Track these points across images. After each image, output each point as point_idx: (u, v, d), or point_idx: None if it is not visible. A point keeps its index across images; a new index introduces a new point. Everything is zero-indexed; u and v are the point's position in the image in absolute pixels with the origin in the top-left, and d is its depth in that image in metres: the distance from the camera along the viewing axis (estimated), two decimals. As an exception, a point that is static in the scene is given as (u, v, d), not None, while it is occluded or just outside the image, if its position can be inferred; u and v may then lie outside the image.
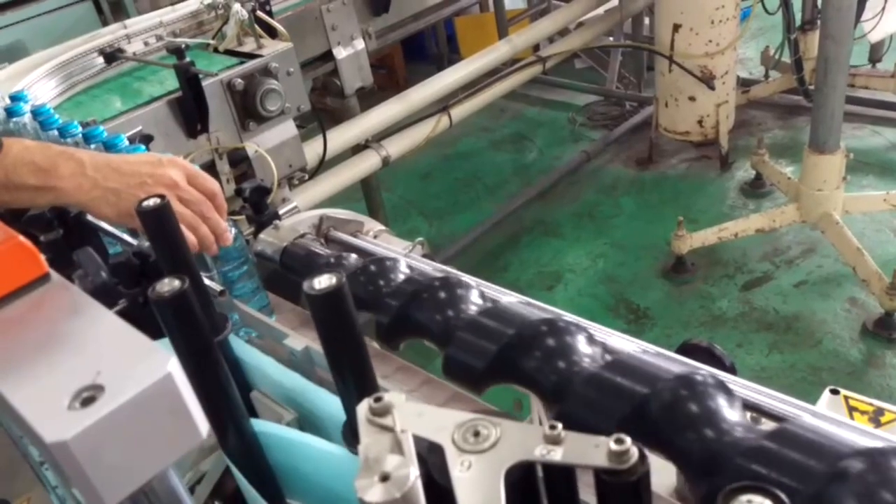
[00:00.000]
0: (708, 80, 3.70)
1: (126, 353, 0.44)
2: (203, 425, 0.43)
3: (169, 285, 0.63)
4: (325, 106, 3.11)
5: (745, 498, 0.45)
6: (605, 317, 3.15)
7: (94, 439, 0.38)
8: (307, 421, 0.87)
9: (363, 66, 2.99)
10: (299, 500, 0.80)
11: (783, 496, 0.45)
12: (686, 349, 1.31)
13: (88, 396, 0.40)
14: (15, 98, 1.46)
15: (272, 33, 2.53)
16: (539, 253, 3.71)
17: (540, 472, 0.54)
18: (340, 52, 2.91)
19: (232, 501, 0.86)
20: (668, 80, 3.84)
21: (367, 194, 3.32)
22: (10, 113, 1.39)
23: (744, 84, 4.40)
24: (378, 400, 0.54)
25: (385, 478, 0.46)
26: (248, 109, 2.32)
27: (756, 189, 3.81)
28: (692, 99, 3.80)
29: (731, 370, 1.08)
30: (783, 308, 3.06)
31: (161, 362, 0.42)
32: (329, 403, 0.82)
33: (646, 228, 3.71)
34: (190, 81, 2.12)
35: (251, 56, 2.38)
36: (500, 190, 4.28)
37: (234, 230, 1.13)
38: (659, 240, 3.49)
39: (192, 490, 0.91)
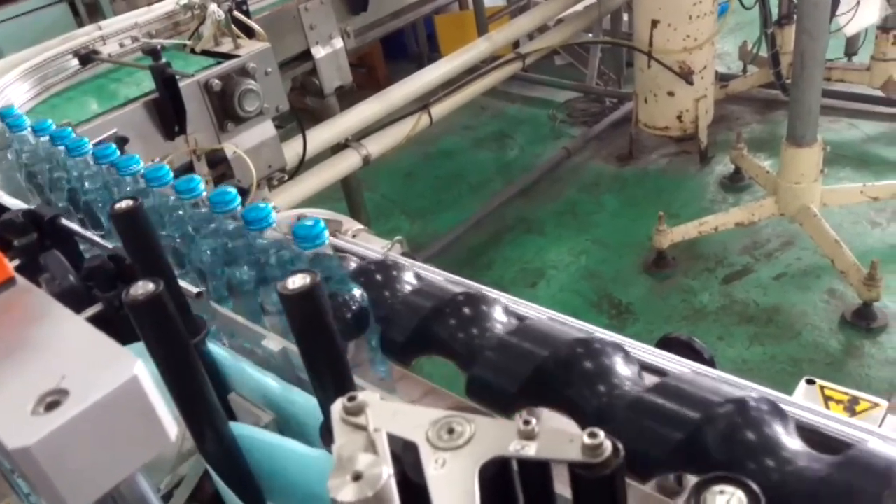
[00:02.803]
0: (686, 76, 3.73)
1: (92, 356, 0.43)
2: (171, 428, 0.42)
3: (143, 288, 0.62)
4: (305, 106, 3.10)
5: (717, 488, 0.45)
6: (588, 313, 3.16)
7: (58, 444, 0.38)
8: (285, 422, 0.86)
9: (342, 65, 2.98)
10: (280, 503, 0.79)
11: (754, 486, 0.45)
12: (666, 343, 1.32)
13: (53, 401, 0.40)
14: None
15: (249, 33, 2.52)
16: (522, 250, 3.71)
17: (515, 468, 0.54)
18: (319, 52, 2.90)
19: (211, 505, 0.85)
20: (647, 76, 3.86)
21: (347, 194, 3.31)
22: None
23: (722, 79, 4.43)
24: (352, 399, 0.54)
25: (357, 477, 0.46)
26: (226, 110, 2.31)
27: (735, 183, 3.84)
28: (671, 94, 3.83)
29: (710, 363, 1.09)
30: (763, 300, 3.08)
31: (127, 365, 0.41)
32: (307, 404, 0.81)
33: (627, 224, 3.73)
34: (166, 82, 2.11)
35: (228, 56, 2.36)
36: (483, 188, 4.28)
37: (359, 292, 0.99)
38: (640, 235, 3.51)
39: (170, 494, 0.90)
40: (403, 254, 1.26)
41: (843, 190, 3.36)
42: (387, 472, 0.46)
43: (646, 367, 0.88)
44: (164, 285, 0.71)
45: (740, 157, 3.69)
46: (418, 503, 0.50)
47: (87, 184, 1.24)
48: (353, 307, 0.97)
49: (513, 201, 4.03)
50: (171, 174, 1.09)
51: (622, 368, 0.80)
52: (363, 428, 0.52)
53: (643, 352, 0.93)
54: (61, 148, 1.29)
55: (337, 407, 0.55)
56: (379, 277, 1.01)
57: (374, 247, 1.27)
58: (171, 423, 0.43)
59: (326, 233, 0.91)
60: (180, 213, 1.09)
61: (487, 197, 4.08)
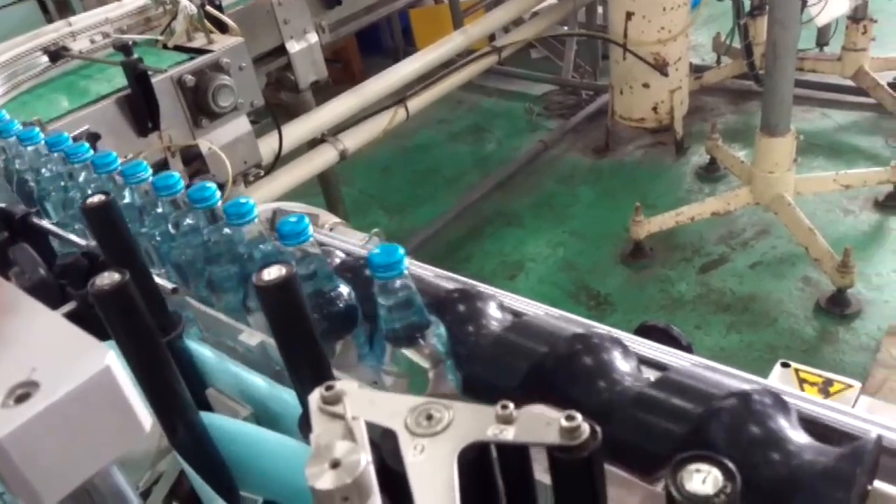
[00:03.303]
0: (661, 67, 3.75)
1: (63, 348, 0.43)
2: (146, 419, 0.42)
3: (109, 278, 0.62)
4: (280, 101, 3.08)
5: (693, 467, 0.45)
6: (567, 304, 3.17)
7: (30, 437, 0.37)
8: (264, 416, 0.86)
9: (317, 59, 2.96)
10: (255, 492, 0.79)
11: (730, 464, 0.45)
12: (643, 330, 1.33)
13: (23, 393, 0.39)
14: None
15: (222, 28, 2.49)
16: (500, 243, 3.72)
17: (495, 454, 0.54)
18: (293, 46, 2.88)
19: (189, 501, 0.85)
20: (622, 68, 3.88)
21: (325, 189, 3.30)
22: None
23: (696, 70, 4.46)
24: (329, 388, 0.54)
25: (336, 464, 0.45)
26: (200, 106, 2.29)
27: (711, 173, 3.87)
28: (646, 86, 3.85)
29: (688, 349, 1.10)
30: (740, 289, 3.12)
31: (99, 356, 0.40)
32: (285, 398, 0.81)
33: (604, 215, 3.75)
34: (138, 78, 2.08)
35: (201, 52, 2.34)
36: (460, 181, 4.28)
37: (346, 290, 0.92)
38: (617, 226, 3.53)
39: (149, 491, 0.90)
40: (381, 246, 1.26)
41: (816, 178, 3.40)
42: (365, 458, 0.46)
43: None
44: (136, 278, 0.70)
45: (715, 147, 3.72)
46: (397, 490, 0.50)
47: (89, 192, 1.19)
48: (341, 305, 0.93)
49: (490, 195, 4.03)
50: (183, 182, 1.03)
51: (792, 433, 0.68)
52: (341, 416, 0.51)
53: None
54: (55, 155, 1.23)
55: (315, 396, 0.54)
56: (462, 308, 0.89)
57: (352, 240, 1.27)
58: (145, 414, 0.42)
59: (311, 228, 0.87)
60: (190, 221, 1.04)
61: (465, 190, 4.08)
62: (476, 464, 0.50)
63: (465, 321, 0.87)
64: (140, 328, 0.61)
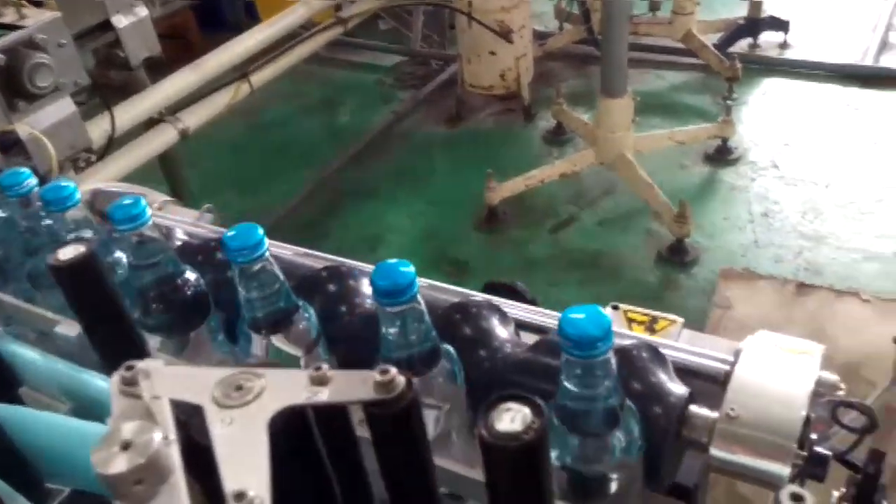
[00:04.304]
0: (505, 34, 3.81)
1: None
2: None
3: None
4: (110, 80, 2.87)
5: (504, 406, 0.46)
6: (428, 273, 3.17)
7: None
8: (84, 409, 0.80)
9: (148, 34, 2.78)
10: (62, 483, 0.73)
11: (539, 401, 0.46)
12: (491, 287, 1.36)
13: None
14: None
15: (37, 2, 2.29)
16: (359, 216, 3.69)
17: (314, 418, 0.52)
18: (121, 21, 2.68)
19: None
20: (469, 36, 3.92)
21: (167, 171, 3.13)
22: None
23: (540, 37, 4.57)
24: (129, 369, 0.50)
25: (126, 446, 0.42)
26: (15, 87, 2.11)
27: (558, 137, 4.00)
28: (493, 54, 3.91)
29: (533, 303, 1.14)
30: (589, 246, 3.26)
31: None
32: (104, 387, 0.76)
33: (460, 183, 3.79)
34: (-66, 58, 1.88)
35: (12, 27, 2.14)
36: (314, 156, 4.19)
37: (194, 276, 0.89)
38: (472, 193, 3.57)
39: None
40: (215, 223, 1.20)
41: (653, 136, 3.59)
42: (159, 436, 0.43)
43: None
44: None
45: (560, 111, 3.84)
46: (209, 467, 0.47)
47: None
48: (189, 293, 0.87)
49: (346, 168, 3.98)
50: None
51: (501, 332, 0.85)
52: (139, 397, 0.48)
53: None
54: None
55: (114, 379, 0.50)
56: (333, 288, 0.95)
57: (183, 218, 1.20)
58: None
59: (149, 210, 0.81)
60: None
61: (320, 165, 4.01)
62: (289, 429, 0.48)
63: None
64: None
